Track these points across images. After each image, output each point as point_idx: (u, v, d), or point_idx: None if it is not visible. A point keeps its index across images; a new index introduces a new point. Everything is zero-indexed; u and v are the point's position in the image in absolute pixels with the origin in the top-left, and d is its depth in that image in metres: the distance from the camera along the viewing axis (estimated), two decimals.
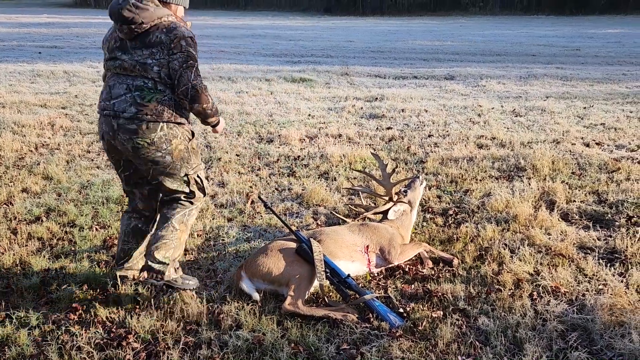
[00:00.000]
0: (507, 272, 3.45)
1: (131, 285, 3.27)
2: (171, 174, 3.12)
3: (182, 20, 3.21)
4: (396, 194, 4.02)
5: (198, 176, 3.24)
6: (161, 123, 3.00)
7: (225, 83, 11.15)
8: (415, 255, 3.71)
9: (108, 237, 4.00)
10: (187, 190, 3.20)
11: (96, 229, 4.14)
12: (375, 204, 4.38)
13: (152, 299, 3.17)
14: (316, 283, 3.22)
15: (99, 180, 5.20)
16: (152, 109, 2.97)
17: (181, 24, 3.07)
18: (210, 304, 3.13)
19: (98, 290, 3.28)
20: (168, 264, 3.13)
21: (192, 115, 3.18)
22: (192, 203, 3.25)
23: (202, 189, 3.28)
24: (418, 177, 4.20)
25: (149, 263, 3.12)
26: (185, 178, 3.17)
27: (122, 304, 3.12)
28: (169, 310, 3.06)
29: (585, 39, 22.07)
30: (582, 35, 24.28)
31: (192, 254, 3.78)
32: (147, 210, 3.35)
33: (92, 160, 5.91)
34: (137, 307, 3.11)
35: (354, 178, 5.35)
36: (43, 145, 6.41)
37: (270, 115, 8.12)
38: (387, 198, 4.01)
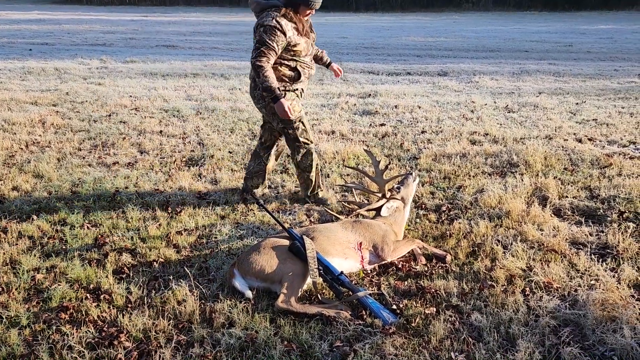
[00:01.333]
0: (500, 268, 3.45)
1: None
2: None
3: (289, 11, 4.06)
4: (389, 190, 4.01)
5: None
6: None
7: (218, 80, 11.10)
8: (409, 252, 3.71)
9: (99, 235, 3.97)
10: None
11: (87, 227, 4.11)
12: (368, 201, 4.38)
13: (145, 297, 3.16)
14: (309, 280, 3.21)
15: (90, 178, 5.16)
16: None
17: (272, 12, 4.00)
18: (203, 301, 3.12)
19: (90, 288, 3.25)
20: None
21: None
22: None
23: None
24: (411, 174, 4.19)
25: None
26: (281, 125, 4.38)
27: None
28: (161, 308, 3.04)
29: (578, 35, 22.14)
30: (574, 31, 24.35)
31: (184, 252, 3.76)
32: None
33: (84, 158, 5.87)
34: (129, 305, 3.09)
35: (347, 175, 5.34)
36: (34, 143, 6.36)
37: None
38: (380, 195, 4.00)
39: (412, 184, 4.14)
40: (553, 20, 33.36)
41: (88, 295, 3.18)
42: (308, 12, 4.11)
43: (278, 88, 4.06)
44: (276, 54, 4.05)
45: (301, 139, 4.43)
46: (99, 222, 4.22)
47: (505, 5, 46.51)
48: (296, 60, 4.22)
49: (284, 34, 4.00)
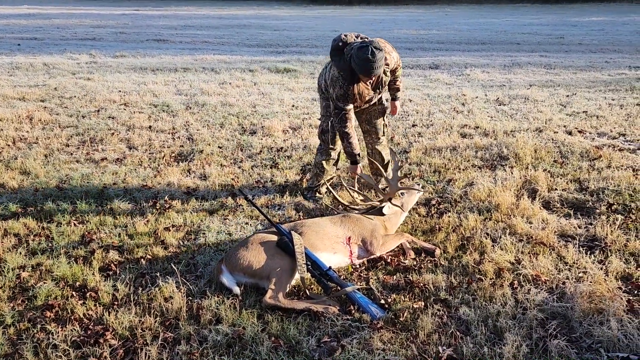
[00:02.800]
0: (489, 261, 3.45)
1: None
2: None
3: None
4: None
5: None
6: None
7: (208, 74, 11.02)
8: (398, 246, 3.70)
9: (86, 232, 3.93)
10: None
11: (74, 224, 4.07)
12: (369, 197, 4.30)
13: (132, 295, 3.13)
14: (297, 276, 3.19)
15: (77, 175, 5.11)
16: None
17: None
18: (190, 298, 3.10)
19: (76, 286, 3.22)
20: None
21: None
22: None
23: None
24: (419, 188, 4.16)
25: None
26: None
27: None
28: (148, 305, 3.02)
29: (570, 27, 22.15)
30: (566, 23, 24.36)
31: (172, 248, 3.73)
32: None
33: (71, 154, 5.80)
34: (116, 303, 3.06)
35: (338, 169, 5.30)
36: (21, 139, 6.28)
37: (254, 107, 8.05)
38: (384, 196, 3.96)
39: (415, 195, 4.14)
40: (545, 12, 33.36)
41: (74, 293, 3.15)
42: None
43: None
44: None
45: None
46: (86, 219, 4.18)
47: None
48: None
49: None
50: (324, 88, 4.32)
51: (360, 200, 4.05)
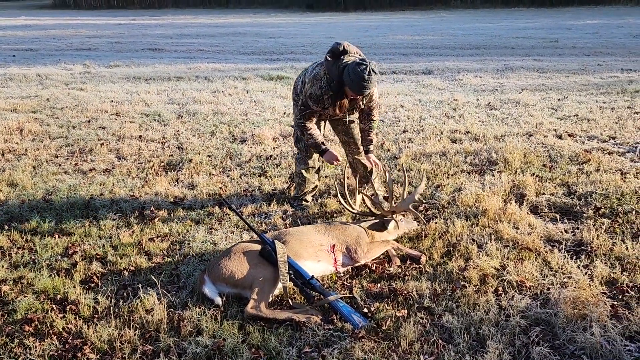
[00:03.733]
0: (473, 267, 3.43)
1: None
2: None
3: None
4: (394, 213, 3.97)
5: None
6: None
7: (201, 82, 11.03)
8: (384, 253, 3.68)
9: (70, 244, 3.91)
10: None
11: (58, 236, 4.05)
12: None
13: (112, 307, 3.10)
14: (280, 285, 3.17)
15: (65, 186, 5.09)
16: None
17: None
18: (171, 310, 3.07)
19: (57, 299, 3.20)
20: None
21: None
22: None
23: None
24: (421, 220, 4.05)
25: None
26: None
27: None
28: (128, 318, 2.99)
29: (564, 31, 22.21)
30: (560, 26, 24.43)
31: (156, 259, 3.71)
32: None
33: (60, 165, 5.79)
34: (96, 316, 3.04)
35: (325, 176, 5.29)
36: (10, 151, 6.27)
37: (245, 115, 8.05)
38: (390, 211, 3.93)
39: (412, 224, 4.08)
40: (540, 16, 33.47)
41: (54, 306, 3.12)
42: None
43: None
44: None
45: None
46: (70, 230, 4.16)
47: (493, 2, 46.61)
48: None
49: None
50: (299, 89, 4.24)
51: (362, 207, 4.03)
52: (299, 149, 4.51)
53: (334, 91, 3.97)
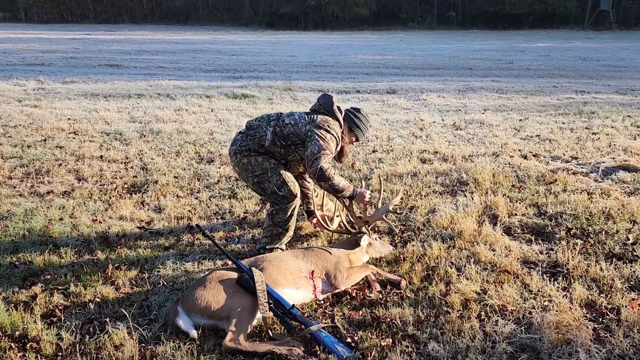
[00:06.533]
0: (455, 292, 3.39)
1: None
2: None
3: None
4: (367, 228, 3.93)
5: None
6: None
7: (163, 100, 10.76)
8: (363, 279, 3.59)
9: (28, 275, 3.63)
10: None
11: (15, 266, 3.77)
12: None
13: (78, 344, 2.88)
14: (259, 315, 3.02)
15: (20, 210, 4.78)
16: None
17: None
18: (143, 345, 2.87)
19: (15, 336, 2.94)
20: None
21: None
22: None
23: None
24: (392, 246, 4.08)
25: None
26: None
27: None
28: (95, 355, 2.78)
29: (518, 53, 23.05)
30: (514, 49, 25.36)
31: (124, 289, 3.49)
32: None
33: (14, 187, 5.45)
34: (60, 354, 2.80)
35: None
36: None
37: (211, 134, 7.86)
38: (362, 221, 3.88)
39: (385, 249, 4.01)
40: (494, 38, 34.72)
41: (12, 344, 2.87)
42: None
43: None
44: None
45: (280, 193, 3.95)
46: (28, 259, 3.88)
47: (448, 24, 48.12)
48: None
49: None
50: (289, 133, 3.86)
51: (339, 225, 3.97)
52: (282, 196, 3.91)
53: (341, 136, 4.00)
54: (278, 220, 3.97)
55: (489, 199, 4.97)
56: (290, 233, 4.09)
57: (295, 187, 3.94)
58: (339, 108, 4.02)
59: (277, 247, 4.05)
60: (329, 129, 3.85)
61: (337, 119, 3.98)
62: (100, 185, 5.57)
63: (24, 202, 5.04)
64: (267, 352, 2.82)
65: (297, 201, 4.00)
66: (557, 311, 3.11)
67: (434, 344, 2.88)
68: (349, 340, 2.93)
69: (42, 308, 3.23)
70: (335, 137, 3.89)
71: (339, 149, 4.01)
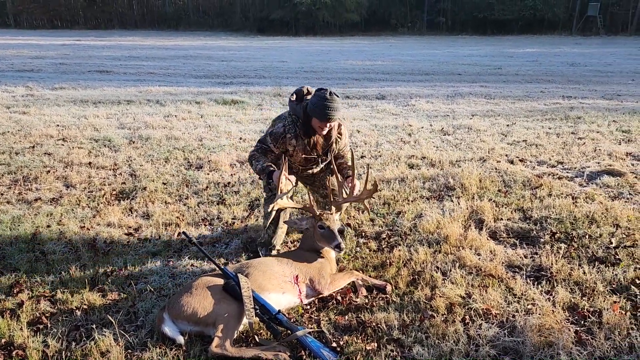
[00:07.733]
0: (440, 296, 3.43)
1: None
2: None
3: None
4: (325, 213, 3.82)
5: None
6: None
7: (153, 107, 10.76)
8: (349, 284, 3.62)
9: (15, 282, 3.63)
10: None
11: (1, 273, 3.76)
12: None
13: (64, 351, 2.88)
14: (245, 321, 3.04)
15: (7, 217, 4.76)
16: None
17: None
18: (129, 351, 2.88)
19: (1, 344, 2.94)
20: None
21: None
22: None
23: None
24: (340, 249, 3.61)
25: None
26: None
27: None
28: None
29: (506, 58, 23.26)
30: (503, 54, 25.60)
31: (111, 295, 3.49)
32: None
33: (2, 194, 5.43)
34: None
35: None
36: None
37: (200, 140, 7.88)
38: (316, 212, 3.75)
39: (330, 253, 3.79)
40: (483, 43, 34.99)
41: None
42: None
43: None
44: None
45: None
46: (15, 266, 3.87)
47: (438, 30, 48.43)
48: None
49: None
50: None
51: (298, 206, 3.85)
52: (270, 190, 4.06)
53: (302, 129, 3.95)
54: (266, 211, 4.15)
55: (475, 204, 5.03)
56: (279, 232, 4.17)
57: (282, 185, 3.72)
58: (302, 99, 3.98)
59: (273, 247, 4.15)
60: (272, 127, 4.07)
61: (292, 113, 4.01)
62: (89, 192, 5.56)
63: (12, 209, 5.02)
64: (253, 357, 2.84)
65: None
66: (540, 314, 3.16)
67: (418, 347, 2.92)
68: (334, 345, 2.96)
69: (28, 315, 3.23)
70: (275, 134, 3.98)
71: (280, 144, 3.99)
